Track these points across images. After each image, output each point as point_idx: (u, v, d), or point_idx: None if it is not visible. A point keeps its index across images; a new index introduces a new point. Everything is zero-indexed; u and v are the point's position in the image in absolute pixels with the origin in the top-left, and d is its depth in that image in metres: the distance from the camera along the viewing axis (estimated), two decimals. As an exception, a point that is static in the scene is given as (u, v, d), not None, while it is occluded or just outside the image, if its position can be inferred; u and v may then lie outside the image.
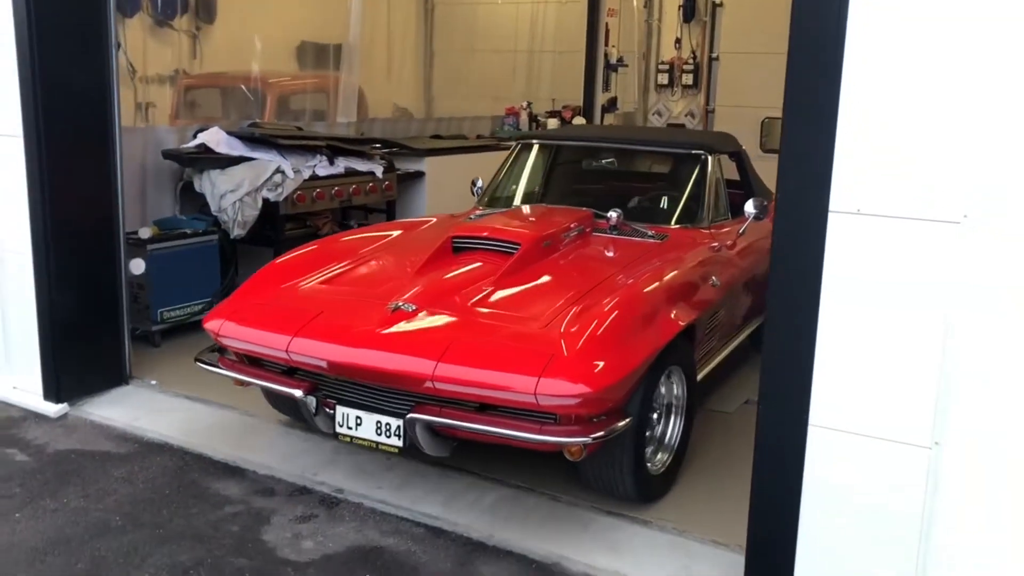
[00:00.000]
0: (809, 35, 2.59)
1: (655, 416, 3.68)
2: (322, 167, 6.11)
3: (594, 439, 3.11)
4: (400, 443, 3.32)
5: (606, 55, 10.23)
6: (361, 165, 6.42)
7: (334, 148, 6.24)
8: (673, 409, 3.84)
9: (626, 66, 10.40)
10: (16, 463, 3.93)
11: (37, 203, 4.35)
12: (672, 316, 3.58)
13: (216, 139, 5.78)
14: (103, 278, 4.65)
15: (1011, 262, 2.42)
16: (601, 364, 3.10)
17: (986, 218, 2.43)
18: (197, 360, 3.88)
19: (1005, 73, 2.37)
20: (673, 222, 4.63)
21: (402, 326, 3.37)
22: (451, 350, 3.19)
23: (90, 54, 4.42)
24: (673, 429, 3.83)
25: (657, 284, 3.70)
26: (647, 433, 3.57)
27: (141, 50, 8.72)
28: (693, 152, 4.86)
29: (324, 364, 3.39)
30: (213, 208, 5.60)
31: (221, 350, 3.84)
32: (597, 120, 10.24)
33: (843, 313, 2.65)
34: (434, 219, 4.78)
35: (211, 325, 3.72)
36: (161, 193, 6.00)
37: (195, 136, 5.90)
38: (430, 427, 3.29)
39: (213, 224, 5.66)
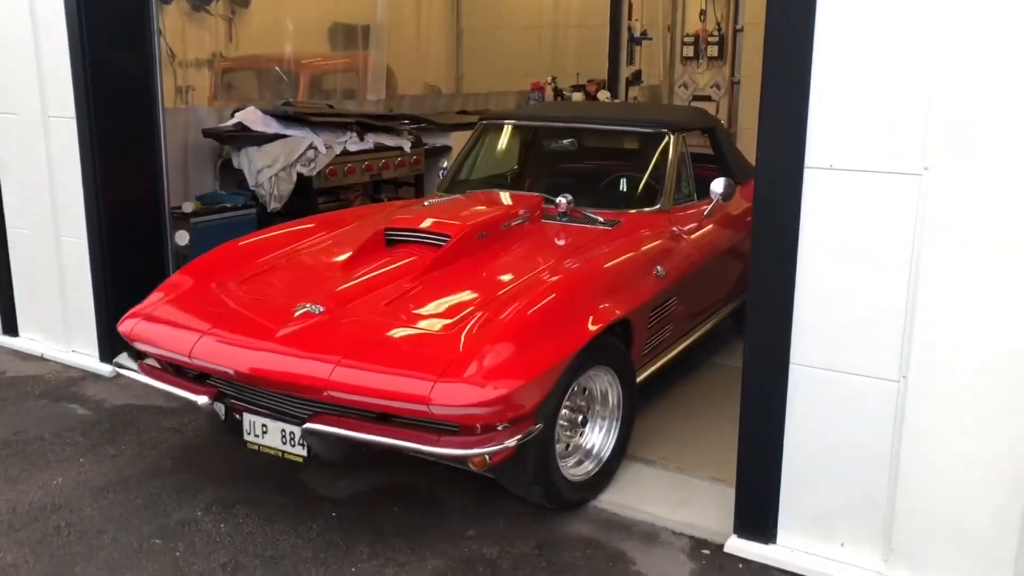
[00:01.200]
0: (783, 6, 2.82)
1: (580, 421, 3.50)
2: (352, 143, 6.43)
3: (490, 452, 2.90)
4: (304, 452, 3.14)
5: (630, 28, 10.40)
6: (390, 140, 6.73)
7: (363, 124, 6.55)
8: (603, 415, 3.60)
9: (650, 39, 10.54)
10: (78, 416, 4.32)
11: (90, 181, 4.72)
12: (595, 313, 3.34)
13: (252, 118, 6.11)
14: (151, 250, 5.02)
15: (966, 211, 2.64)
16: (500, 369, 2.91)
17: (944, 170, 2.65)
18: (114, 364, 3.75)
19: (955, 41, 2.59)
20: (630, 206, 4.38)
21: (303, 330, 3.20)
22: (348, 356, 3.02)
23: (134, 41, 4.77)
24: (604, 437, 3.59)
25: (581, 279, 3.53)
26: (572, 441, 3.47)
27: (180, 35, 9.11)
28: (653, 131, 4.64)
29: (225, 370, 3.23)
30: (250, 183, 5.95)
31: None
32: (622, 94, 10.43)
33: (819, 260, 2.89)
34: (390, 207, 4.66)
35: (123, 328, 3.56)
36: (202, 170, 6.37)
37: (233, 116, 6.24)
38: (330, 437, 3.08)
39: (251, 198, 6.01)
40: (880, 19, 2.69)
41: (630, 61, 10.58)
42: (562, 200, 4.17)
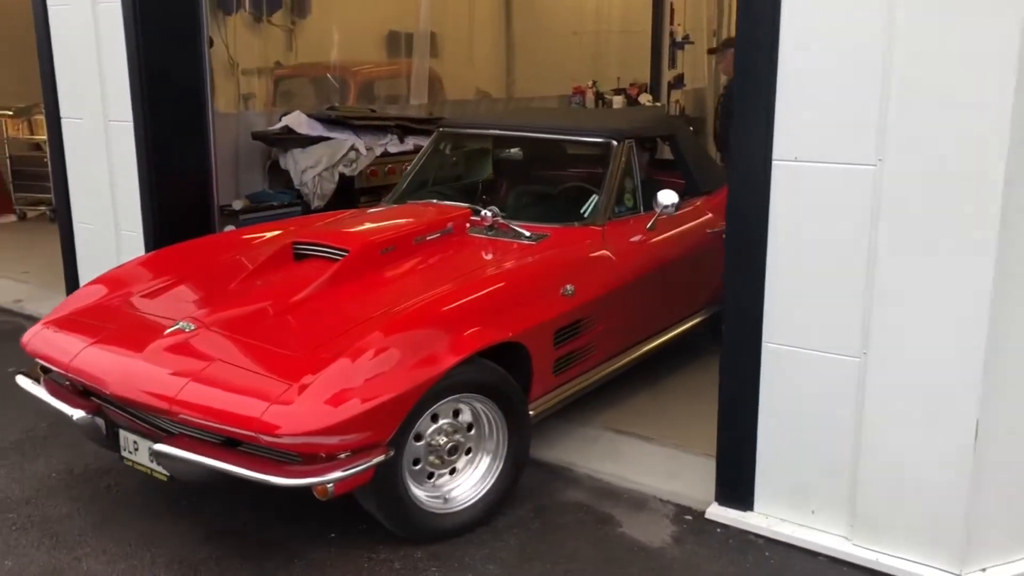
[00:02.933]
0: (752, 14, 3.08)
1: (440, 460, 3.27)
2: (393, 145, 6.82)
3: (326, 482, 2.81)
4: (166, 472, 3.09)
5: (672, 33, 10.61)
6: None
7: (404, 127, 6.93)
8: (478, 452, 3.39)
9: (692, 43, 10.74)
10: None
11: (144, 180, 5.16)
12: (461, 339, 3.17)
13: (298, 121, 6.54)
14: (201, 243, 5.45)
15: (916, 198, 2.86)
16: (336, 397, 2.83)
17: (896, 161, 2.87)
18: (17, 373, 3.66)
19: (907, 43, 2.81)
20: (562, 219, 4.22)
21: (167, 348, 3.16)
22: (196, 378, 2.98)
23: (186, 50, 5.20)
24: (479, 477, 3.36)
25: (454, 300, 3.34)
26: (431, 479, 3.28)
27: (242, 45, 9.62)
28: (595, 140, 4.49)
29: (95, 384, 3.19)
30: (296, 182, 6.37)
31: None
32: (663, 97, 10.65)
33: (786, 246, 3.13)
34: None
35: (24, 338, 3.55)
36: (252, 170, 6.82)
37: (280, 120, 6.68)
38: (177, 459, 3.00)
39: (296, 197, 6.44)
40: (837, 22, 2.92)
41: (672, 65, 10.79)
42: (487, 213, 4.06)
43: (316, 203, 6.32)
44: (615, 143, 4.36)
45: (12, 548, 3.28)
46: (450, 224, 4.06)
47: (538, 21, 11.87)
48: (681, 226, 4.55)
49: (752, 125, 3.12)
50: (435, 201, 4.50)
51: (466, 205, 4.26)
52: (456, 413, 3.30)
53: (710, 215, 4.77)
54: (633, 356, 4.30)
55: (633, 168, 4.40)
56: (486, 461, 3.41)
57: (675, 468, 3.82)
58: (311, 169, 6.29)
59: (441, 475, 3.32)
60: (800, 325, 3.17)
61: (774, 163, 3.11)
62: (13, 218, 9.55)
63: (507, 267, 3.75)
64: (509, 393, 3.38)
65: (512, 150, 5.02)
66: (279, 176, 6.74)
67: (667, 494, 3.62)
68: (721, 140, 7.44)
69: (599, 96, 10.01)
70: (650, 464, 3.86)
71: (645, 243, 4.30)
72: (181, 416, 2.94)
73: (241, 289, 3.64)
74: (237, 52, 9.52)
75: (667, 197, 4.14)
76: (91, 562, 3.18)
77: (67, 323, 3.56)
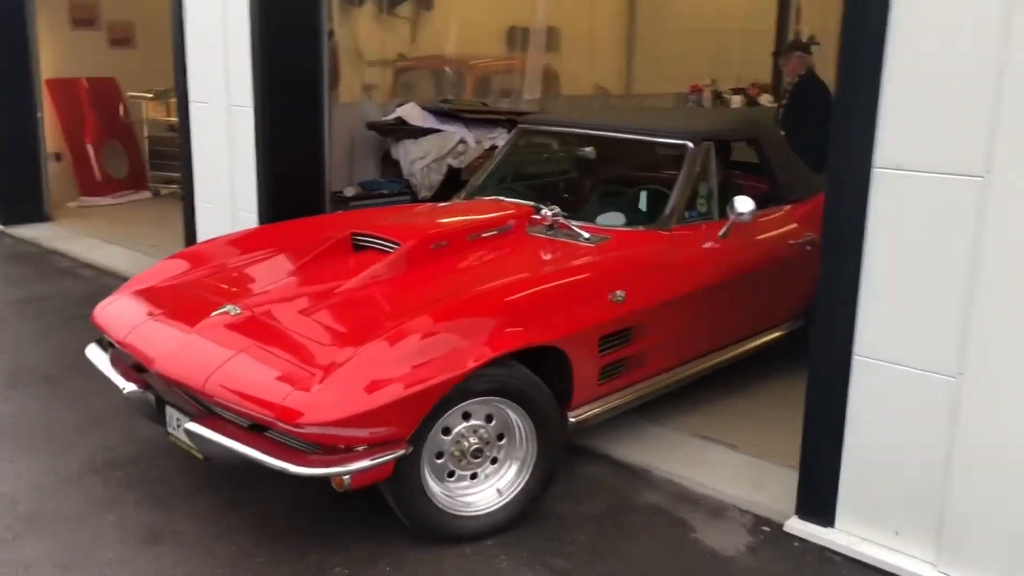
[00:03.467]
0: (858, 17, 2.98)
1: (464, 460, 3.22)
2: (501, 138, 6.90)
3: (340, 473, 2.83)
4: (200, 451, 3.14)
5: (796, 33, 10.32)
6: (537, 137, 7.13)
7: (513, 122, 6.98)
8: (505, 461, 3.31)
9: (818, 45, 10.40)
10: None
11: (260, 163, 5.40)
12: (492, 339, 3.10)
13: (412, 113, 6.70)
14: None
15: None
16: (351, 390, 2.85)
17: (1006, 173, 2.73)
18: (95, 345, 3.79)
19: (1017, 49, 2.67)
20: (628, 222, 4.11)
21: (210, 330, 3.25)
22: (228, 363, 3.04)
23: (307, 40, 5.41)
24: (503, 486, 3.29)
25: (493, 299, 3.30)
26: (451, 478, 3.22)
27: (367, 36, 9.93)
28: (670, 141, 4.31)
29: (144, 360, 3.28)
30: (405, 172, 6.54)
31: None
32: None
33: (883, 257, 3.02)
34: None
35: (95, 311, 3.71)
36: (366, 159, 7.03)
37: (395, 111, 6.85)
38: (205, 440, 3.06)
39: (405, 186, 6.60)
40: (950, 22, 2.80)
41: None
42: (546, 212, 3.98)
43: (423, 193, 6.47)
44: (690, 145, 4.20)
45: (116, 503, 3.50)
46: (509, 222, 4.01)
47: (660, 18, 11.76)
48: (759, 235, 4.33)
49: (852, 130, 3.02)
50: (502, 198, 4.42)
51: (531, 203, 4.17)
52: (489, 418, 3.24)
53: (795, 225, 4.57)
54: (699, 368, 4.13)
55: (709, 171, 4.22)
56: (513, 470, 3.32)
57: (758, 478, 3.74)
58: (420, 160, 6.43)
59: (462, 476, 3.25)
60: (893, 339, 3.05)
61: (874, 171, 3.00)
62: (148, 195, 10.13)
63: (554, 269, 3.67)
64: (540, 402, 3.26)
65: (586, 149, 4.89)
66: (391, 165, 6.92)
67: (747, 504, 3.56)
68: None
69: (717, 95, 9.84)
70: (733, 472, 3.79)
71: (716, 251, 4.11)
72: (215, 398, 3.01)
73: (295, 276, 3.69)
74: (363, 43, 9.85)
75: (743, 204, 3.96)
76: (184, 523, 3.36)
77: (131, 299, 3.70)
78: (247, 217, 5.56)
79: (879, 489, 3.17)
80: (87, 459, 3.84)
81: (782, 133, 4.96)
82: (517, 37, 10.40)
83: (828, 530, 3.29)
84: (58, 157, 9.34)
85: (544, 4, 9.36)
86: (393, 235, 3.78)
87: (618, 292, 3.57)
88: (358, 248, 3.87)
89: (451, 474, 3.23)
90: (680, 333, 3.92)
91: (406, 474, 3.03)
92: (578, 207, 4.32)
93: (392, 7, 10.04)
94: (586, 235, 3.92)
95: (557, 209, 4.01)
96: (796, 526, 3.35)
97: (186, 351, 3.20)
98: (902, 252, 2.99)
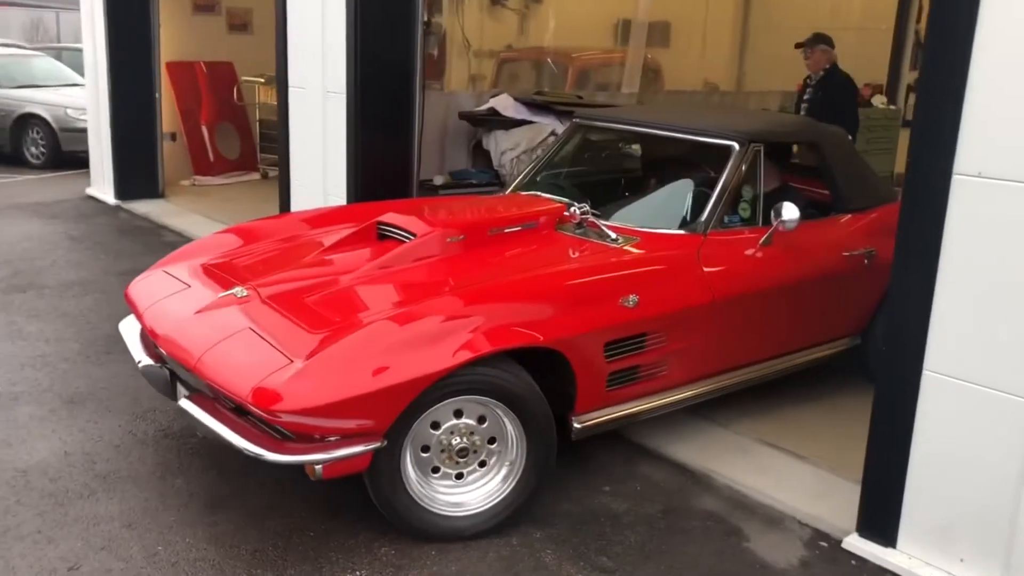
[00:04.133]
0: (945, 17, 2.83)
1: (450, 458, 3.15)
2: (594, 132, 6.84)
3: (308, 462, 2.83)
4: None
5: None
6: (630, 131, 7.05)
7: (607, 116, 6.93)
8: (495, 464, 3.22)
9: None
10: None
11: (351, 148, 5.53)
12: (478, 337, 3.02)
13: (504, 104, 6.72)
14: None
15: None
16: (322, 381, 2.83)
17: (1095, 185, 2.56)
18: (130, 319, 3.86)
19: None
20: (661, 223, 3.93)
21: (213, 311, 3.32)
22: (219, 344, 3.08)
23: (400, 30, 5.49)
24: (489, 490, 3.21)
25: (490, 295, 3.24)
26: (436, 474, 3.16)
27: (478, 28, 10.04)
28: (717, 141, 4.08)
29: (155, 337, 3.38)
30: (494, 163, 6.56)
31: None
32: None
33: (959, 269, 2.87)
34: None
35: (129, 287, 3.85)
36: (458, 149, 7.09)
37: (488, 101, 6.89)
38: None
39: (495, 177, 6.63)
40: (1042, 27, 2.63)
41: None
42: (575, 210, 3.91)
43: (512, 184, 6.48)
44: (736, 146, 3.98)
45: (185, 469, 3.66)
46: (540, 219, 3.92)
47: (774, 14, 11.48)
48: (809, 245, 4.08)
49: (932, 134, 2.88)
50: (542, 194, 4.33)
51: (565, 201, 4.07)
52: (483, 420, 3.17)
53: (854, 236, 4.30)
54: (733, 381, 3.94)
55: (757, 175, 4.01)
56: (499, 477, 3.23)
57: (822, 490, 3.62)
58: (510, 151, 6.45)
59: (447, 474, 3.19)
60: (966, 356, 2.90)
61: (954, 177, 2.85)
62: (257, 176, 10.51)
63: (562, 268, 3.56)
64: (533, 408, 3.16)
65: (632, 147, 4.68)
66: (481, 155, 6.96)
67: (806, 516, 3.45)
68: None
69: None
70: (796, 483, 3.68)
71: (755, 259, 3.88)
72: (204, 378, 3.04)
73: (314, 262, 3.70)
74: (472, 34, 9.96)
75: (788, 211, 3.75)
76: (244, 494, 3.48)
77: (159, 277, 3.81)
78: (337, 200, 5.70)
79: (945, 512, 3.02)
80: (165, 425, 4.02)
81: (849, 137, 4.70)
82: (626, 31, 10.33)
83: (889, 551, 3.15)
84: (173, 137, 9.78)
85: (646, -2, 9.24)
86: (410, 226, 3.78)
87: (631, 297, 3.41)
88: (382, 237, 3.88)
89: (436, 470, 3.17)
90: (709, 343, 3.73)
91: (385, 467, 3.00)
92: (616, 206, 4.16)
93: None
94: (613, 235, 3.80)
95: (587, 207, 3.92)
96: (855, 544, 3.23)
97: (187, 330, 3.27)
98: (980, 264, 2.83)
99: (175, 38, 9.78)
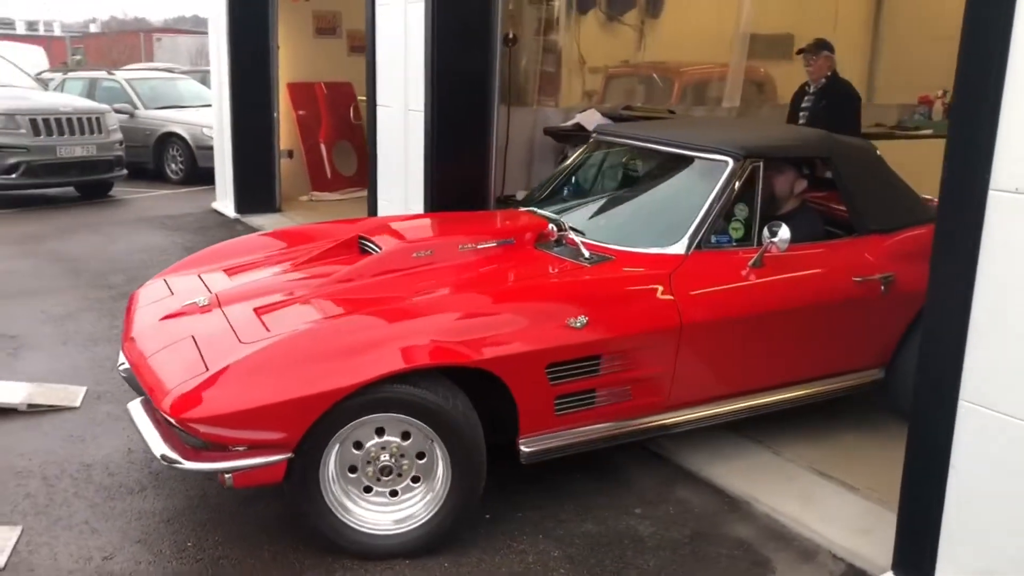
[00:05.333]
0: (979, 34, 2.65)
1: (377, 477, 3.11)
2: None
3: (213, 470, 2.89)
4: None
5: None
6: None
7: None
8: (424, 480, 3.15)
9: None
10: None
11: (428, 164, 5.65)
12: (398, 352, 2.97)
13: (590, 120, 6.70)
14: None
15: None
16: (222, 392, 2.86)
17: None
18: None
19: None
20: (641, 241, 3.71)
21: (167, 319, 3.43)
22: (161, 351, 3.18)
23: (475, 48, 5.58)
24: (413, 509, 3.15)
25: (418, 311, 3.20)
26: (369, 493, 3.14)
27: (593, 43, 10.07)
28: (710, 156, 3.84)
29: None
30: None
31: None
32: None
33: (997, 292, 2.66)
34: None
35: (133, 293, 3.99)
36: (545, 164, 7.11)
37: (575, 116, 6.89)
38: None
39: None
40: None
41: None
42: (552, 227, 3.84)
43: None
44: (731, 162, 3.74)
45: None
46: (518, 236, 3.85)
47: (906, 25, 10.97)
48: (809, 268, 3.80)
49: (965, 146, 2.69)
50: (538, 210, 4.18)
51: (553, 217, 3.97)
52: (407, 436, 3.10)
53: (870, 259, 3.95)
54: (719, 412, 3.71)
55: (755, 193, 3.76)
56: (427, 497, 3.16)
57: (868, 524, 3.41)
58: (594, 166, 6.41)
59: (381, 492, 3.15)
60: (1005, 386, 2.67)
61: (990, 193, 2.65)
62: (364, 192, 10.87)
63: (511, 286, 3.49)
64: (456, 426, 3.05)
65: (635, 163, 4.39)
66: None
67: (844, 551, 3.26)
68: None
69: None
70: (841, 515, 3.48)
71: (742, 282, 3.64)
72: (142, 384, 3.15)
73: (286, 274, 3.76)
74: (586, 50, 10.00)
75: (776, 231, 3.52)
76: (281, 498, 3.59)
77: (154, 284, 3.95)
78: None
79: (983, 553, 2.79)
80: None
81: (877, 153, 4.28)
82: (739, 44, 10.10)
83: (924, 591, 2.95)
84: (290, 154, 10.25)
85: (748, 10, 9.02)
86: (380, 241, 3.82)
87: (580, 317, 3.25)
88: (363, 251, 3.92)
89: (368, 489, 3.14)
90: (683, 370, 3.51)
91: (299, 481, 2.99)
92: (604, 223, 4.01)
93: (618, 14, 10.11)
94: (587, 254, 3.66)
95: (563, 224, 3.85)
96: (890, 582, 3.03)
97: (144, 336, 3.40)
98: (1018, 286, 2.62)
99: (297, 60, 10.26)
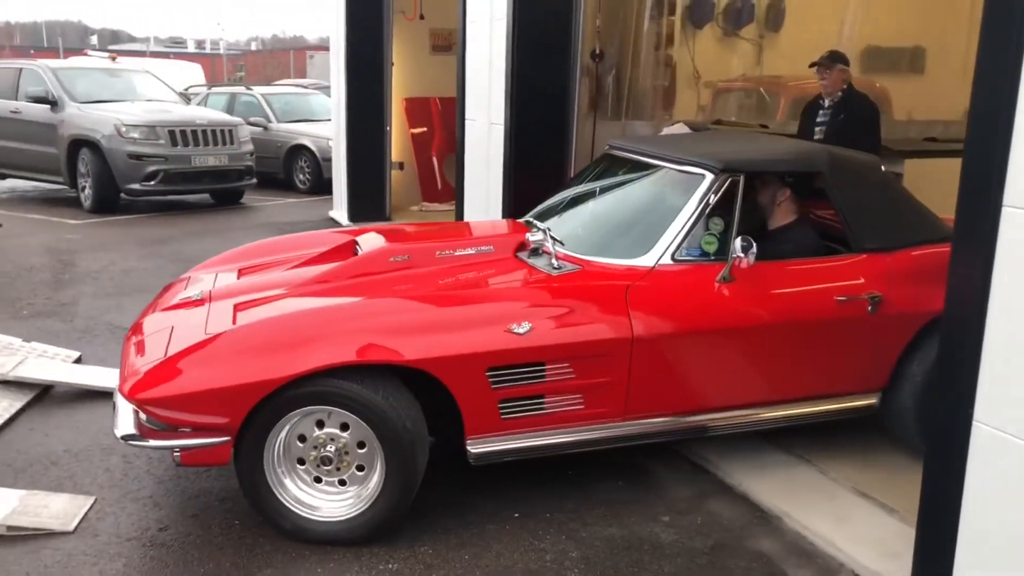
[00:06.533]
0: (994, 50, 2.59)
1: (318, 467, 3.31)
2: (775, 162, 6.63)
3: (159, 447, 3.21)
4: None
5: None
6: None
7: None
8: (365, 486, 3.30)
9: None
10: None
11: (507, 175, 5.83)
12: (335, 349, 3.13)
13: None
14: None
15: None
16: (165, 377, 3.11)
17: None
18: None
19: None
20: (614, 253, 3.74)
21: (162, 312, 3.78)
22: (143, 339, 3.50)
23: (555, 63, 5.73)
24: (350, 500, 3.32)
25: (363, 311, 3.42)
26: (320, 483, 3.34)
27: (711, 58, 10.06)
28: (688, 169, 3.83)
29: None
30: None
31: None
32: None
33: (1008, 310, 2.59)
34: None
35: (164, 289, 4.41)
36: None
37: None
38: None
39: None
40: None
41: None
42: (530, 237, 3.92)
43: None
44: (708, 176, 3.73)
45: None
46: (497, 244, 4.02)
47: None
48: (786, 284, 3.71)
49: (980, 162, 2.63)
50: (534, 221, 4.30)
51: (541, 227, 4.03)
52: (345, 427, 3.26)
53: (859, 280, 3.79)
54: (683, 426, 3.66)
55: (733, 207, 3.67)
56: (362, 488, 3.31)
57: (899, 547, 3.32)
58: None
59: (331, 481, 3.34)
60: (1015, 408, 2.60)
61: (1004, 209, 2.59)
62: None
63: (461, 292, 3.63)
64: (391, 423, 3.17)
65: (627, 176, 4.30)
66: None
67: (868, 571, 3.21)
68: None
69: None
70: (872, 536, 3.42)
71: (708, 297, 3.60)
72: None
73: (282, 272, 4.04)
74: (701, 64, 10.00)
75: (744, 245, 3.48)
76: (330, 484, 3.83)
77: (184, 280, 4.30)
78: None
79: (995, 580, 2.71)
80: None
81: (879, 169, 4.11)
82: (872, 58, 9.85)
83: (937, 618, 2.87)
84: (401, 166, 10.66)
85: (852, 22, 8.79)
86: (366, 244, 4.09)
87: (524, 324, 3.32)
88: (356, 254, 4.13)
89: (319, 480, 3.34)
90: (643, 381, 3.49)
91: (246, 466, 3.24)
92: (585, 235, 4.05)
93: (735, 28, 10.06)
94: (556, 264, 3.73)
95: (541, 236, 3.91)
96: (904, 606, 2.97)
97: (142, 323, 3.74)
98: (1029, 306, 2.54)
99: (413, 75, 10.68)
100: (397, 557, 3.30)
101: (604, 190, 4.35)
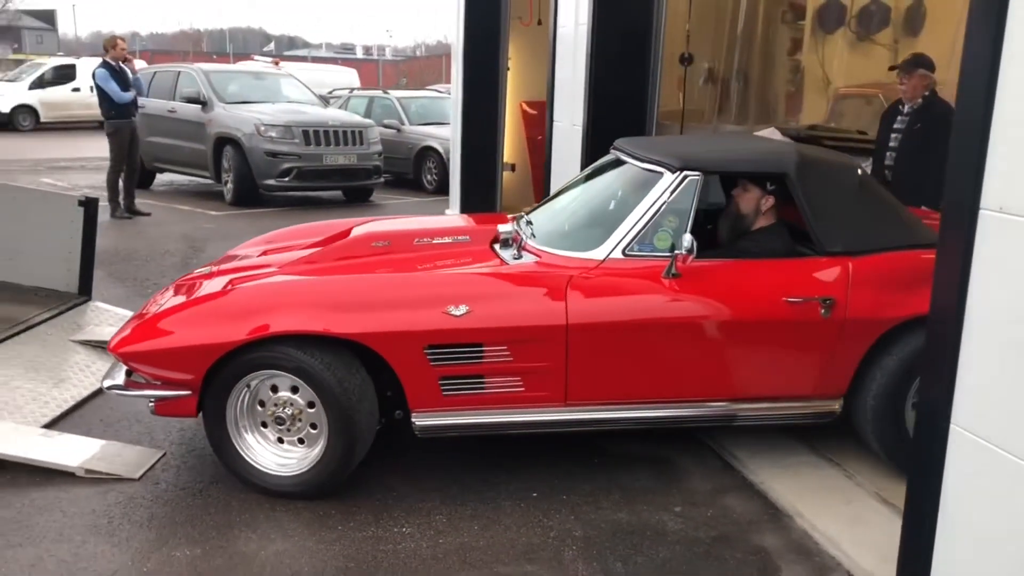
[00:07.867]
0: (975, 54, 2.59)
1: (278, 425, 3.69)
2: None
3: (133, 396, 3.74)
4: None
5: None
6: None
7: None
8: (311, 443, 3.68)
9: None
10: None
11: (583, 176, 5.99)
12: (282, 318, 3.51)
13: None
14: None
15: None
16: (136, 337, 3.61)
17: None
18: None
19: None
20: (572, 246, 3.87)
21: (176, 286, 4.19)
22: (146, 307, 4.05)
23: (634, 67, 5.85)
24: (296, 457, 3.71)
25: (314, 287, 3.76)
26: (280, 443, 3.73)
27: (843, 63, 9.89)
28: (649, 167, 3.92)
29: None
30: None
31: None
32: None
33: (982, 314, 2.58)
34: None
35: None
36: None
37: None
38: None
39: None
40: (1059, 45, 2.33)
41: None
42: (501, 228, 4.11)
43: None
44: (666, 174, 3.81)
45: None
46: (470, 235, 4.41)
47: None
48: (733, 283, 3.72)
49: (956, 164, 2.64)
50: (521, 214, 4.52)
51: (523, 220, 4.29)
52: (296, 389, 3.61)
53: (818, 280, 3.73)
54: (629, 416, 3.78)
55: (688, 207, 3.73)
56: (310, 448, 3.69)
57: (902, 553, 3.31)
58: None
59: (291, 441, 3.72)
60: (988, 414, 2.58)
61: (980, 213, 2.58)
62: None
63: (411, 274, 3.91)
64: (332, 389, 3.50)
65: (610, 174, 4.38)
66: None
67: (863, 572, 3.22)
68: (899, 183, 5.46)
69: None
70: (879, 540, 3.39)
71: (648, 291, 3.68)
72: None
73: (285, 255, 4.39)
74: (832, 70, 9.83)
75: (683, 240, 3.58)
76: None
77: (222, 259, 4.75)
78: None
79: (967, 588, 2.69)
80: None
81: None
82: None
83: (915, 621, 2.86)
84: (512, 168, 10.95)
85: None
86: (353, 231, 4.58)
87: (461, 306, 3.54)
88: None
89: (280, 440, 3.73)
90: (582, 369, 3.64)
91: (211, 421, 3.67)
92: (560, 229, 4.19)
93: (869, 33, 9.83)
94: (517, 254, 3.96)
95: (509, 229, 4.11)
96: (886, 608, 2.97)
97: (158, 294, 4.26)
98: (1003, 309, 2.53)
99: (533, 80, 10.96)
100: (412, 522, 3.56)
101: (587, 187, 4.52)
